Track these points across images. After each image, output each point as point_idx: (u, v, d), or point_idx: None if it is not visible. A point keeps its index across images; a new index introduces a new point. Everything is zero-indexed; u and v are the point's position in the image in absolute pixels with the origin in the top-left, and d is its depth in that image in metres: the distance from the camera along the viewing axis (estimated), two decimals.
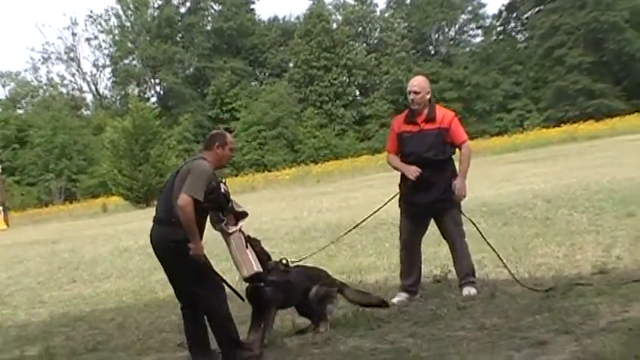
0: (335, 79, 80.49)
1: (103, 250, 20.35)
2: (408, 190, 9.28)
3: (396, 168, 9.43)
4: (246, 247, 7.81)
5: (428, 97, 9.30)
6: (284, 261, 8.43)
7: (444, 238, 9.58)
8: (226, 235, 7.77)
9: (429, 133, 9.15)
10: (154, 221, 7.79)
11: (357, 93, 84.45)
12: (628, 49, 74.76)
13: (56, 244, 25.58)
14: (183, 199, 7.28)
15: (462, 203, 9.58)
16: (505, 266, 9.58)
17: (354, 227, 10.99)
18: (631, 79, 76.22)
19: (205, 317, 7.65)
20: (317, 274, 8.68)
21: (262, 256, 8.12)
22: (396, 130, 9.42)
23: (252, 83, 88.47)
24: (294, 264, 8.61)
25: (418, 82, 9.38)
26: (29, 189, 72.62)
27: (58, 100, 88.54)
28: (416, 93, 9.23)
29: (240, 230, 7.84)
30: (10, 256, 22.83)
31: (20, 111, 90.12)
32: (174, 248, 7.46)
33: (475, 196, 19.84)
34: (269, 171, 64.81)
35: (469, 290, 9.13)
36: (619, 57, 76.24)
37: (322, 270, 8.86)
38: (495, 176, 28.27)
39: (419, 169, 9.08)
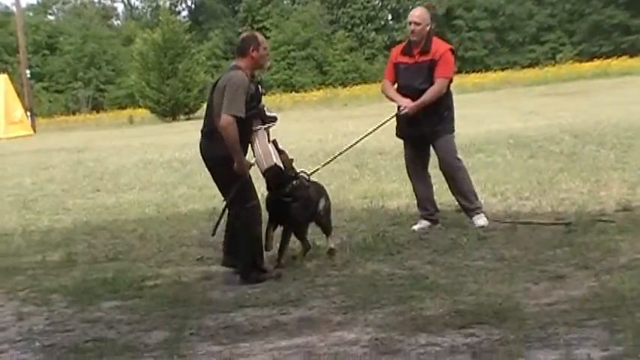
0: (368, 2, 79.62)
1: (127, 162, 20.44)
2: (403, 122, 9.24)
3: (390, 98, 9.37)
4: (269, 142, 7.76)
5: (427, 29, 9.14)
6: (304, 174, 8.40)
7: (441, 169, 9.44)
8: (251, 134, 7.73)
9: (422, 64, 9.04)
10: (201, 133, 7.83)
11: (389, 17, 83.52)
12: None
13: (82, 152, 25.71)
14: (225, 120, 7.28)
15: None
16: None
17: (341, 153, 10.75)
18: None
19: (231, 232, 7.75)
20: (321, 187, 8.70)
21: (290, 169, 8.08)
22: (393, 59, 9.39)
23: (285, 2, 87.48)
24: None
25: (419, 14, 9.25)
26: (57, 96, 72.82)
27: (89, 9, 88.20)
28: (416, 24, 9.10)
29: (265, 129, 7.80)
30: (36, 162, 22.97)
31: (51, 17, 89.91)
32: (218, 164, 7.53)
33: (502, 128, 19.77)
34: (297, 92, 64.55)
35: (483, 220, 9.14)
36: None
37: (321, 185, 8.84)
38: (524, 108, 28.06)
39: (412, 102, 9.00)
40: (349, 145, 10.55)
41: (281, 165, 7.81)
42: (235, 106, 7.30)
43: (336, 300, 6.63)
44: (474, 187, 9.45)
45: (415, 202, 9.62)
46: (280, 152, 7.95)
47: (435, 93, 9.01)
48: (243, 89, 7.39)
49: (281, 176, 7.84)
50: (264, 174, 7.80)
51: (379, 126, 9.73)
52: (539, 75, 54.61)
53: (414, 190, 9.57)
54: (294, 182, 8.03)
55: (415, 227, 9.26)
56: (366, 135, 10.03)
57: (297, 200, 7.97)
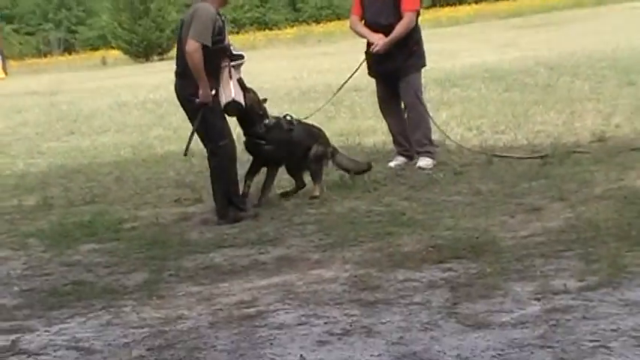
0: None
1: (101, 104, 20.30)
2: (373, 59, 9.14)
3: (360, 34, 9.29)
4: (230, 78, 7.67)
5: None
6: (288, 117, 8.37)
7: (403, 102, 9.36)
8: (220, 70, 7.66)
9: (387, 0, 8.91)
10: (175, 75, 7.76)
11: None
12: None
13: (54, 95, 25.51)
14: (191, 45, 7.23)
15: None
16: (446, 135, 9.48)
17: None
18: None
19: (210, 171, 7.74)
20: (317, 132, 8.57)
21: (258, 106, 8.04)
22: None
23: None
24: (297, 121, 8.51)
25: None
26: (28, 38, 72.01)
27: None
28: None
29: (230, 67, 7.71)
30: (9, 105, 22.79)
31: None
32: (191, 101, 7.48)
33: (477, 62, 19.74)
34: (270, 29, 64.01)
35: (425, 161, 9.06)
36: None
37: (321, 129, 8.77)
38: (498, 41, 28.01)
39: (384, 37, 8.90)
40: (331, 86, 10.49)
41: (241, 101, 7.71)
42: (201, 34, 7.24)
43: (314, 238, 6.65)
44: (430, 132, 9.35)
45: (391, 138, 9.62)
46: (247, 90, 7.88)
47: (404, 27, 8.89)
48: (209, 18, 7.33)
49: (241, 112, 7.78)
50: (225, 110, 7.72)
51: (363, 62, 9.62)
52: (513, 7, 54.31)
53: (389, 127, 9.58)
54: (266, 122, 8.00)
55: (391, 164, 9.26)
56: (354, 72, 9.91)
57: (270, 142, 7.95)
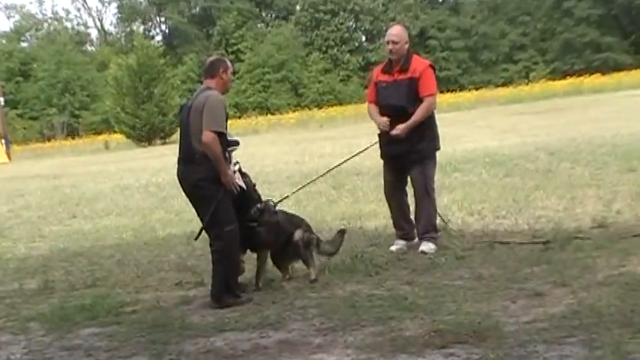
0: (341, 23, 79.96)
1: (104, 187, 20.37)
2: (383, 141, 9.25)
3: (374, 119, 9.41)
4: (229, 162, 7.74)
5: (406, 47, 9.17)
6: (271, 202, 8.42)
7: (413, 188, 9.41)
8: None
9: (402, 83, 9.04)
10: (178, 161, 7.82)
11: (364, 39, 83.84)
12: (637, 2, 73.96)
13: (57, 179, 25.61)
14: (208, 136, 7.32)
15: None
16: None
17: (320, 176, 10.80)
18: (639, 33, 75.68)
19: (211, 255, 7.73)
20: (299, 219, 8.63)
21: (253, 191, 8.13)
22: (374, 79, 9.41)
23: (259, 25, 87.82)
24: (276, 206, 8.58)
25: (397, 32, 9.23)
26: (32, 123, 72.50)
27: (62, 35, 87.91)
28: (394, 43, 9.09)
29: (228, 153, 7.80)
30: (12, 189, 22.86)
31: (24, 44, 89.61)
32: (199, 187, 7.53)
33: (478, 147, 19.87)
34: (272, 114, 64.63)
35: (427, 246, 9.07)
36: (628, 11, 75.71)
37: (302, 218, 8.82)
38: (499, 127, 28.23)
39: (388, 122, 9.06)
40: (327, 169, 10.57)
41: (242, 183, 7.82)
42: (216, 122, 7.38)
43: (316, 322, 6.62)
44: (435, 218, 9.39)
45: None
46: (243, 175, 7.99)
47: (425, 111, 9.02)
48: (221, 106, 7.51)
49: (242, 195, 7.84)
50: None
51: (374, 144, 9.70)
52: (514, 93, 54.97)
53: (390, 210, 9.59)
54: (259, 205, 8.07)
55: (393, 248, 9.26)
56: (362, 151, 9.98)
57: (262, 225, 8.00)
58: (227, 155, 7.71)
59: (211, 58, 8.15)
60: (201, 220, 7.71)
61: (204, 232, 7.79)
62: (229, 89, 8.27)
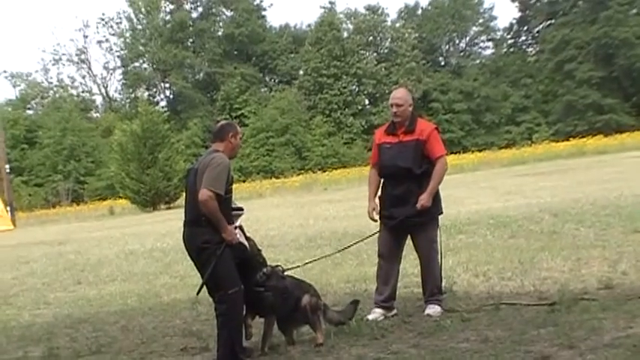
0: (344, 87, 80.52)
1: (108, 253, 20.36)
2: (385, 203, 9.24)
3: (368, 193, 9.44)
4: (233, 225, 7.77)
5: (410, 109, 9.22)
6: (279, 268, 8.43)
7: (416, 252, 9.40)
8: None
9: (407, 144, 9.04)
10: (184, 224, 7.86)
11: (367, 102, 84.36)
12: (638, 64, 74.67)
13: (62, 245, 25.61)
14: (204, 194, 7.38)
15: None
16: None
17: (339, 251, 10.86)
18: None
19: (216, 318, 7.70)
20: (307, 285, 8.63)
21: (258, 255, 8.14)
22: (377, 141, 9.43)
23: (262, 90, 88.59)
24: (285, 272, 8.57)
25: (401, 95, 9.30)
26: (37, 189, 72.72)
27: (67, 102, 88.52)
28: (398, 106, 9.14)
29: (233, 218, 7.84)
30: (16, 256, 22.84)
31: (30, 112, 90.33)
32: (205, 249, 7.56)
33: (482, 208, 19.88)
34: (276, 178, 64.75)
35: (433, 309, 9.03)
36: (629, 73, 76.24)
37: (310, 283, 8.81)
38: (503, 188, 28.25)
39: (376, 216, 9.19)
40: (335, 250, 10.61)
41: (246, 244, 7.85)
42: (215, 183, 7.43)
43: None
44: (441, 281, 9.33)
45: (398, 284, 9.56)
46: (248, 239, 8.02)
47: (440, 174, 9.05)
48: (225, 168, 7.56)
49: (245, 255, 7.84)
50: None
51: (370, 236, 9.81)
52: (516, 155, 55.14)
53: (380, 273, 9.39)
54: (265, 270, 8.07)
55: (370, 317, 9.06)
56: (354, 243, 10.08)
57: (268, 289, 7.99)
58: (232, 221, 7.74)
59: (222, 123, 8.29)
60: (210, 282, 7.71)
61: (206, 290, 7.79)
62: (237, 154, 8.32)
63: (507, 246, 13.50)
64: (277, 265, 8.47)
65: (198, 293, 8.01)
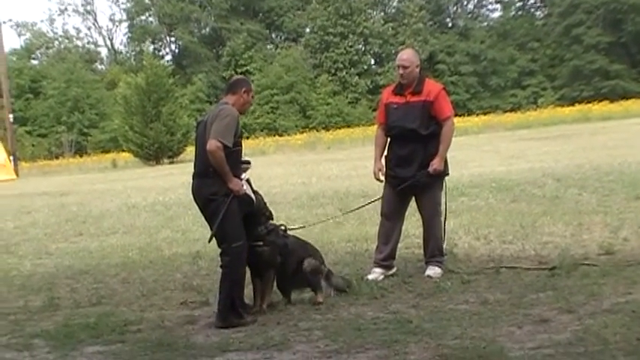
0: (351, 46, 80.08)
1: (110, 206, 20.39)
2: (391, 163, 9.24)
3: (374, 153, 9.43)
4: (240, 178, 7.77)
5: (417, 70, 9.15)
6: (282, 227, 8.43)
7: (420, 213, 9.39)
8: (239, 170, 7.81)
9: (414, 105, 9.00)
10: (192, 176, 7.89)
11: (372, 62, 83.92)
12: None
13: (65, 196, 25.63)
14: (212, 144, 7.40)
15: (450, 180, 9.51)
16: None
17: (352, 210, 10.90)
18: None
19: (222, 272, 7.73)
20: (312, 248, 8.64)
21: (264, 209, 8.14)
22: (384, 100, 9.38)
23: (268, 47, 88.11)
24: (290, 232, 8.57)
25: (407, 56, 9.22)
26: (40, 140, 72.57)
27: (72, 53, 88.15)
28: (404, 67, 9.08)
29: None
30: (19, 206, 22.86)
31: (35, 62, 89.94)
32: (212, 200, 7.58)
33: (485, 172, 19.86)
34: (280, 135, 64.62)
35: (433, 270, 9.06)
36: (637, 39, 75.76)
37: (317, 249, 8.79)
38: (506, 152, 28.20)
39: (382, 177, 9.21)
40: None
41: (252, 196, 7.85)
42: (223, 134, 7.44)
43: (320, 344, 6.61)
44: (442, 242, 9.36)
45: (399, 245, 9.57)
46: (254, 192, 8.01)
47: (448, 137, 9.06)
48: (233, 119, 7.57)
49: (252, 208, 7.86)
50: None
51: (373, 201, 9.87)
52: (521, 119, 54.91)
53: (381, 231, 9.41)
54: (268, 224, 8.07)
55: (369, 277, 9.10)
56: (362, 206, 10.32)
57: (267, 244, 8.00)
58: (240, 174, 7.75)
59: (236, 77, 8.40)
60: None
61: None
62: (246, 111, 8.30)
63: (509, 210, 13.51)
64: (281, 225, 8.46)
65: (209, 241, 7.99)
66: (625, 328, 6.28)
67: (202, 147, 7.61)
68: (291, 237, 8.47)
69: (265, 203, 8.24)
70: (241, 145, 7.81)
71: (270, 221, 8.27)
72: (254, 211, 7.93)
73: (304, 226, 9.88)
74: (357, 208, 10.80)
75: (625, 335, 6.10)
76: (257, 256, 8.00)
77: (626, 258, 9.08)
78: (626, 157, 20.13)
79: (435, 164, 8.94)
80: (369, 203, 10.68)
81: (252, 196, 7.88)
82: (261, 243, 8.01)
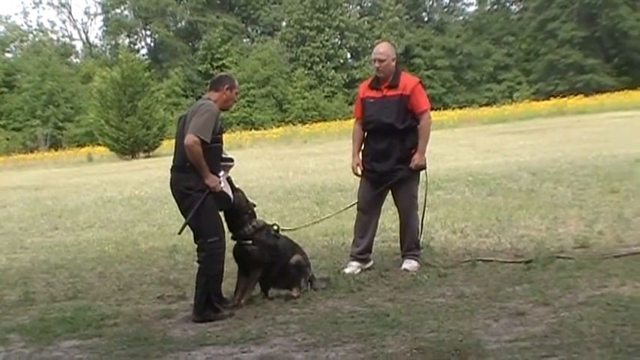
0: (327, 40, 80.00)
1: (86, 200, 20.31)
2: (367, 157, 9.22)
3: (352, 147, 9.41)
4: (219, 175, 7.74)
5: (393, 64, 9.12)
6: (275, 227, 8.40)
7: (396, 206, 9.37)
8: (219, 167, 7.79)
9: (391, 99, 8.98)
10: (171, 170, 7.85)
11: (349, 56, 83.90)
12: (621, 25, 74.55)
13: (40, 190, 25.52)
14: (189, 139, 7.39)
15: (429, 173, 9.53)
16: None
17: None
18: (622, 56, 76.34)
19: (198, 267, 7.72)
20: (300, 248, 8.62)
21: (246, 205, 8.12)
22: (361, 95, 9.35)
23: (244, 40, 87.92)
24: (283, 232, 8.55)
25: (384, 50, 9.17)
26: (15, 134, 72.05)
27: (47, 46, 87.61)
28: (381, 61, 9.04)
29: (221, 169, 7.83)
30: None
31: (9, 55, 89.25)
32: (187, 195, 7.56)
33: (461, 166, 19.94)
34: (256, 129, 64.56)
35: (410, 263, 9.08)
36: (611, 33, 76.13)
37: (304, 252, 8.70)
38: (482, 146, 28.32)
39: (359, 170, 9.19)
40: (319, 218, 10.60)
41: (230, 194, 7.81)
42: (201, 129, 7.41)
43: (298, 337, 6.61)
44: (418, 235, 9.35)
45: (376, 239, 9.59)
46: (236, 190, 7.99)
47: (426, 132, 9.06)
48: (212, 115, 7.55)
49: (230, 206, 7.84)
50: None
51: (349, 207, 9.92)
52: (497, 113, 55.13)
53: (357, 225, 9.40)
54: (254, 223, 8.06)
55: (346, 270, 9.09)
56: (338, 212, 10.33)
57: (256, 243, 7.99)
58: (218, 170, 7.72)
59: (221, 73, 8.36)
60: (192, 229, 7.71)
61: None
62: (229, 107, 8.30)
63: (485, 203, 13.56)
64: (273, 224, 8.44)
65: (180, 233, 7.99)
66: (600, 321, 6.32)
67: (181, 141, 7.59)
68: (282, 237, 8.43)
69: (247, 201, 8.20)
70: (221, 142, 7.78)
71: (266, 222, 8.25)
72: (234, 209, 7.92)
73: (296, 228, 9.87)
74: (350, 206, 10.74)
75: (600, 328, 6.13)
76: (246, 254, 8.00)
77: (601, 251, 9.14)
78: (601, 151, 20.28)
79: (417, 159, 8.96)
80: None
81: (230, 194, 7.84)
82: (250, 242, 7.99)
